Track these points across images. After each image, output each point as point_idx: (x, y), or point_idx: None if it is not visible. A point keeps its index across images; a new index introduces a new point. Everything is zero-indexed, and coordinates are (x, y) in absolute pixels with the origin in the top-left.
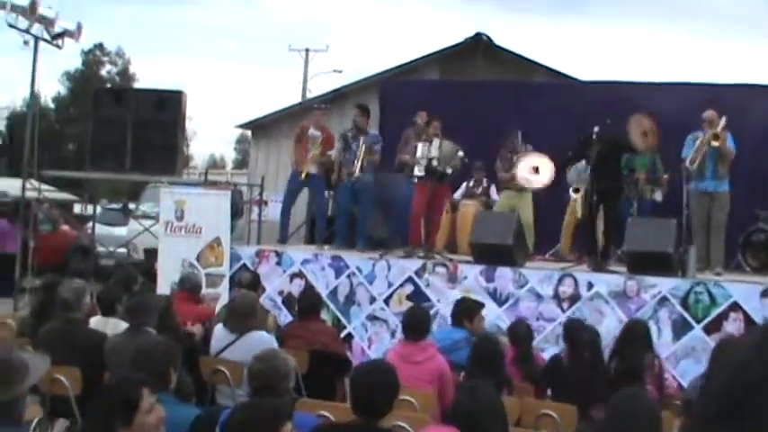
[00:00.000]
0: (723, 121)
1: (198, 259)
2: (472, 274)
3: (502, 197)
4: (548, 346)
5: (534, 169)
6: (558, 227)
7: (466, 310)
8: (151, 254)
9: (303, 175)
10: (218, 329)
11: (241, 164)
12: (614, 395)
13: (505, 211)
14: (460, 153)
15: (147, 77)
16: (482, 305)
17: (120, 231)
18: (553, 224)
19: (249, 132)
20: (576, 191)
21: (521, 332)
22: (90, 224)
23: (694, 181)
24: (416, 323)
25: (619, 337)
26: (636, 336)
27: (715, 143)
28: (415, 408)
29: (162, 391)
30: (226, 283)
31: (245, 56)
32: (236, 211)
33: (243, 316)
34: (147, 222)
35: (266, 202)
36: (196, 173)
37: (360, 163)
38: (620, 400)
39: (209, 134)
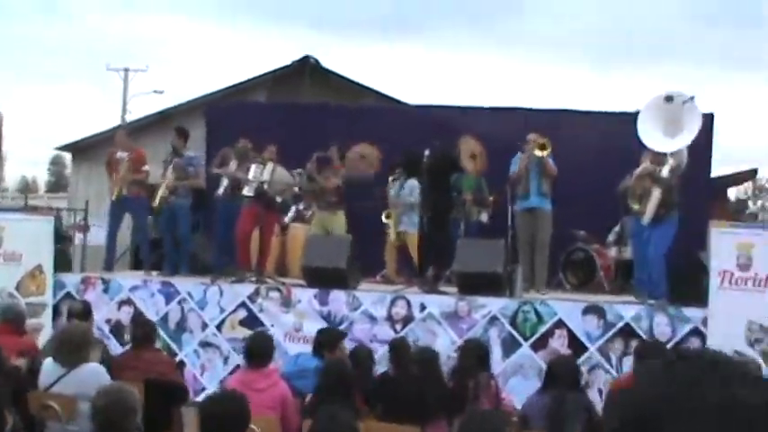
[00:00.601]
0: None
1: (17, 288)
2: (306, 298)
3: (315, 217)
4: (381, 368)
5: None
6: (377, 246)
7: (326, 341)
8: None
9: (114, 198)
10: (48, 363)
11: (55, 186)
12: (463, 416)
13: (320, 231)
14: (296, 189)
15: None
16: (344, 335)
17: None
18: (371, 243)
19: (66, 154)
20: (388, 216)
21: (361, 355)
22: None
23: (519, 200)
24: (259, 350)
25: (457, 357)
26: (472, 355)
27: (540, 152)
28: None
29: None
30: (49, 312)
31: (57, 74)
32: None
33: (75, 348)
34: None
35: (89, 228)
36: (8, 196)
37: (163, 185)
38: (470, 421)
39: (19, 155)
